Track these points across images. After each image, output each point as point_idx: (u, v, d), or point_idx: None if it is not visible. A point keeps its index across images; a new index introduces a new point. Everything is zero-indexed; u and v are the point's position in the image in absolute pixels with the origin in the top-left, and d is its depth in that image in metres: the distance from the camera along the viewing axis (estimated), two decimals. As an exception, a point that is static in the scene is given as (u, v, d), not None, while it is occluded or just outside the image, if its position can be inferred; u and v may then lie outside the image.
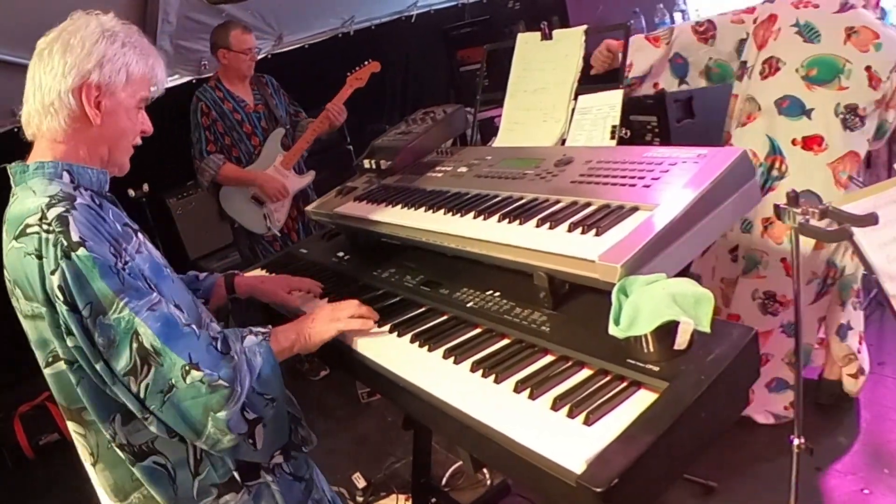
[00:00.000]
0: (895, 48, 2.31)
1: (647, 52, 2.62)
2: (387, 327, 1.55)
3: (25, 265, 1.22)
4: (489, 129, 2.47)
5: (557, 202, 1.53)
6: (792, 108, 2.41)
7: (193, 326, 1.29)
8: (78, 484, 1.48)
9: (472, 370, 1.29)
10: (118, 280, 1.22)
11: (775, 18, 2.47)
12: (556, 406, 1.12)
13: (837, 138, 2.36)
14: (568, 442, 1.03)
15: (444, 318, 1.54)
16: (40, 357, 1.31)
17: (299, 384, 4.04)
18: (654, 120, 3.73)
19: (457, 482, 2.90)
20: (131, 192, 3.97)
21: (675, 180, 1.37)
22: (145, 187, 4.04)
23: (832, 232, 1.78)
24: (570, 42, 1.96)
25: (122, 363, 1.22)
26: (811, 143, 2.39)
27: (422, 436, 2.40)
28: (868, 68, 2.30)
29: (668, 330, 1.11)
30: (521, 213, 1.51)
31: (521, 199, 1.60)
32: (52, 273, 1.19)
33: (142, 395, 1.23)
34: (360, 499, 2.92)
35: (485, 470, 2.79)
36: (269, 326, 1.47)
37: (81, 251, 1.19)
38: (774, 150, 2.44)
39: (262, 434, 1.37)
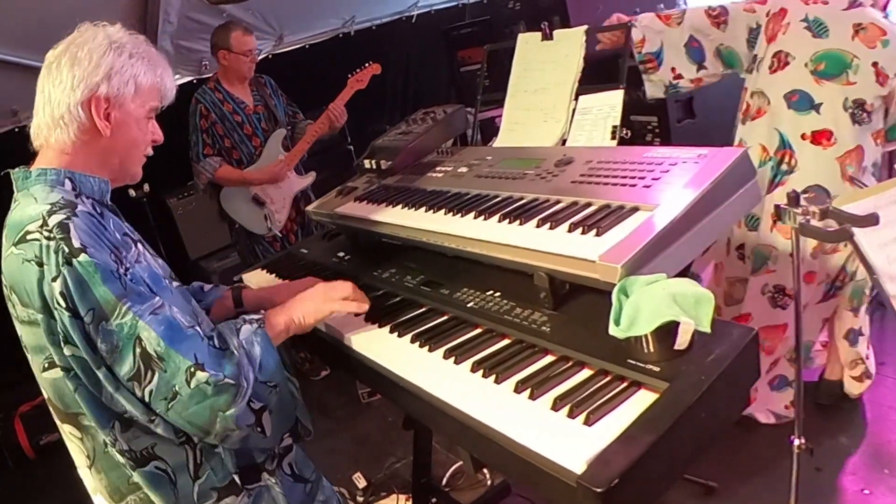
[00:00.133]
0: None
1: (658, 28, 2.57)
2: (387, 327, 1.55)
3: (24, 272, 1.22)
4: (490, 130, 2.47)
5: (558, 202, 1.53)
6: (801, 102, 2.42)
7: (196, 328, 1.29)
8: (78, 484, 1.48)
9: (473, 370, 1.29)
10: (120, 285, 1.22)
11: (785, 13, 2.48)
12: (556, 406, 1.12)
13: (846, 132, 2.37)
14: (568, 442, 1.03)
15: (445, 318, 1.54)
16: (36, 361, 1.31)
17: (299, 384, 4.04)
18: (654, 120, 3.74)
19: (457, 482, 2.90)
20: (132, 193, 3.97)
21: (675, 180, 1.37)
22: (146, 187, 4.04)
23: (833, 232, 1.78)
24: (570, 42, 1.96)
25: (125, 368, 1.22)
26: (820, 137, 2.40)
27: (422, 436, 2.40)
28: (875, 64, 2.32)
29: (668, 330, 1.11)
30: (522, 213, 1.51)
31: (522, 199, 1.60)
32: (54, 280, 1.19)
33: (147, 399, 1.24)
34: (360, 499, 2.92)
35: (485, 470, 2.79)
36: (262, 311, 1.46)
37: (83, 257, 1.19)
38: (784, 145, 2.45)
39: (270, 420, 1.36)
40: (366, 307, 1.55)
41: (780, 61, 2.47)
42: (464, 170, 1.91)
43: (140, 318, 1.22)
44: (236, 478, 1.40)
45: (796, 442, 2.00)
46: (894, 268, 1.78)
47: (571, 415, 1.09)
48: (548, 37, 2.03)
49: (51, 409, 1.37)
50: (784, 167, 2.46)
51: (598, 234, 1.31)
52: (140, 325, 1.21)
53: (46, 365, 1.29)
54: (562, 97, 1.92)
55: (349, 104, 3.69)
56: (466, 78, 5.13)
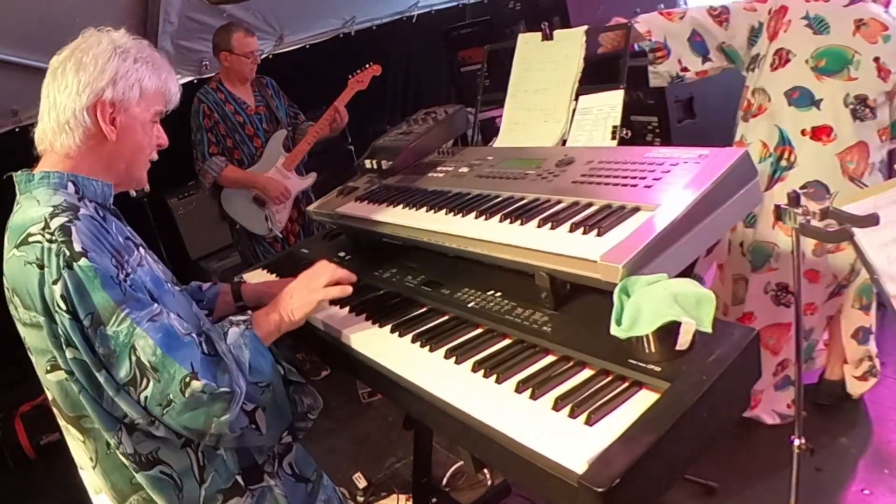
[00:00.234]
0: None
1: (660, 23, 2.58)
2: (388, 327, 1.55)
3: (26, 274, 1.22)
4: (490, 130, 2.47)
5: (559, 202, 1.53)
6: (802, 98, 2.42)
7: (193, 335, 1.29)
8: (78, 484, 1.48)
9: (474, 370, 1.29)
10: (120, 291, 1.22)
11: (786, 10, 2.49)
12: (557, 406, 1.12)
13: (846, 129, 2.37)
14: (569, 442, 1.03)
15: (446, 318, 1.54)
16: (40, 363, 1.31)
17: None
18: (654, 120, 3.74)
19: (458, 482, 2.90)
20: (132, 193, 3.96)
21: (676, 181, 1.37)
22: (147, 188, 4.04)
23: (833, 232, 1.78)
24: (570, 42, 1.96)
25: (122, 372, 1.23)
26: (820, 133, 2.41)
27: (423, 436, 2.40)
28: (877, 59, 2.32)
29: (669, 330, 1.11)
30: (523, 213, 1.51)
31: (523, 199, 1.60)
32: (55, 283, 1.19)
33: (143, 404, 1.24)
34: (360, 499, 2.92)
35: (485, 470, 2.79)
36: (249, 312, 1.46)
37: (83, 261, 1.20)
38: (783, 141, 2.46)
39: (264, 417, 1.37)
40: (349, 290, 1.53)
41: (781, 59, 2.47)
42: (464, 170, 1.91)
43: (138, 325, 1.22)
44: (239, 479, 1.41)
45: (796, 442, 2.00)
46: (894, 268, 1.78)
47: (572, 415, 1.09)
48: (548, 37, 2.03)
49: (54, 409, 1.37)
50: (783, 163, 2.46)
51: (599, 235, 1.31)
52: (137, 332, 1.22)
53: (50, 367, 1.29)
54: (562, 97, 1.93)
55: (349, 105, 3.69)
56: (467, 78, 5.13)
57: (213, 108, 3.52)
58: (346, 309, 1.69)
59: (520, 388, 1.20)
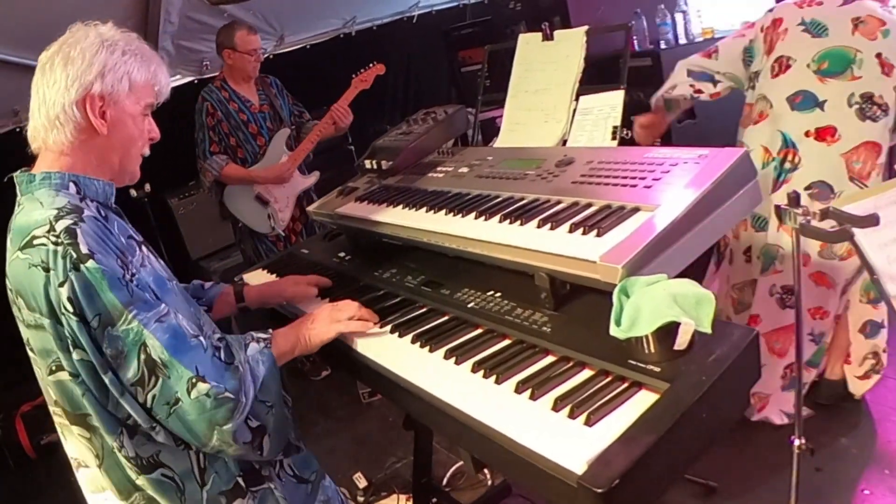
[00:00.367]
0: None
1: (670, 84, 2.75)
2: (388, 328, 1.55)
3: (30, 276, 1.22)
4: (490, 130, 2.47)
5: (558, 203, 1.53)
6: (805, 102, 2.42)
7: (200, 338, 1.29)
8: (79, 484, 1.48)
9: (473, 371, 1.30)
10: (127, 292, 1.22)
11: (780, 21, 2.50)
12: (557, 407, 1.12)
13: (851, 129, 2.37)
14: (569, 442, 1.03)
15: (445, 318, 1.54)
16: (43, 364, 1.30)
17: (300, 384, 4.05)
18: (655, 120, 3.72)
19: (458, 482, 2.90)
20: (133, 193, 3.98)
21: (676, 181, 1.37)
22: (147, 187, 4.05)
23: (833, 233, 1.78)
24: (571, 43, 1.96)
25: (129, 373, 1.23)
26: (824, 133, 2.40)
27: (423, 436, 2.40)
28: (879, 55, 2.32)
29: (669, 331, 1.11)
30: (523, 213, 1.51)
31: (523, 199, 1.60)
32: (61, 285, 1.19)
33: (149, 404, 1.24)
34: (360, 499, 2.93)
35: (486, 470, 2.79)
36: (270, 331, 1.47)
37: (90, 263, 1.19)
38: (787, 144, 2.46)
39: (269, 443, 1.38)
40: (371, 325, 1.55)
41: (782, 65, 2.48)
42: (464, 170, 1.91)
43: (145, 326, 1.22)
44: (240, 481, 1.41)
45: (796, 442, 2.00)
46: (895, 268, 1.78)
47: (572, 415, 1.09)
48: (548, 37, 2.03)
49: (56, 410, 1.36)
50: (788, 165, 2.46)
51: (598, 235, 1.31)
52: (145, 332, 1.22)
53: (54, 368, 1.28)
54: (562, 97, 1.93)
55: (351, 104, 3.70)
56: (467, 78, 5.14)
57: (216, 106, 3.52)
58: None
59: (519, 389, 1.20)
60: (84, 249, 1.20)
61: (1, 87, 3.58)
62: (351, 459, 3.23)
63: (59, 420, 1.38)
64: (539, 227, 1.44)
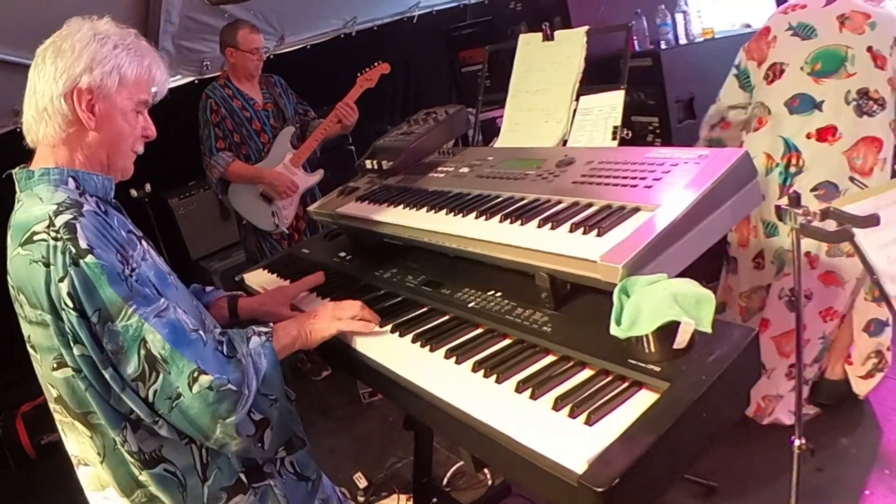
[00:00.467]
0: (889, 22, 2.34)
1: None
2: (388, 327, 1.55)
3: (31, 272, 1.21)
4: (491, 130, 2.47)
5: (559, 203, 1.53)
6: (803, 105, 2.44)
7: (200, 332, 1.29)
8: (79, 483, 1.48)
9: (474, 370, 1.30)
10: (126, 287, 1.22)
11: (768, 30, 2.54)
12: (557, 406, 1.12)
13: (850, 126, 2.38)
14: (569, 442, 1.03)
15: (446, 318, 1.54)
16: (45, 361, 1.30)
17: (301, 384, 4.05)
18: (655, 121, 3.74)
19: (458, 482, 2.90)
20: (133, 193, 3.98)
21: (676, 181, 1.37)
22: (147, 187, 4.05)
23: (833, 233, 1.78)
24: (571, 43, 1.96)
25: (130, 369, 1.23)
26: (825, 134, 2.41)
27: (423, 436, 2.40)
28: (869, 49, 2.33)
29: (669, 330, 1.12)
30: (523, 213, 1.51)
31: (523, 199, 1.60)
32: (61, 281, 1.19)
33: (150, 399, 1.24)
34: (361, 499, 2.93)
35: (486, 470, 2.79)
36: (271, 324, 1.47)
37: (90, 258, 1.19)
38: (790, 148, 2.47)
39: (271, 436, 1.38)
40: (373, 326, 1.54)
41: (776, 72, 2.51)
42: (465, 170, 1.91)
43: (145, 320, 1.22)
44: (243, 476, 1.41)
45: (797, 442, 2.00)
46: (895, 268, 1.78)
47: (572, 415, 1.09)
48: (549, 37, 2.03)
49: (58, 405, 1.36)
50: (792, 169, 2.47)
51: (599, 235, 1.31)
52: (145, 327, 1.22)
53: (56, 364, 1.28)
54: (563, 98, 1.93)
55: (354, 103, 3.70)
56: (468, 78, 5.13)
57: (220, 103, 3.54)
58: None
59: (520, 388, 1.20)
60: (83, 244, 1.20)
61: (1, 87, 3.58)
62: (351, 459, 3.23)
63: (60, 418, 1.38)
64: (539, 226, 1.44)
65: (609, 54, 2.45)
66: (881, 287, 1.80)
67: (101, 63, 1.31)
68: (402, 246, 1.88)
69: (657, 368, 1.12)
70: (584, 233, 1.34)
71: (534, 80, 2.04)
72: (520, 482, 2.32)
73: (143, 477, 1.33)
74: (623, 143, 1.76)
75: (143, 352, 1.22)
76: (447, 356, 1.37)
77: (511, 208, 1.57)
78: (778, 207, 1.85)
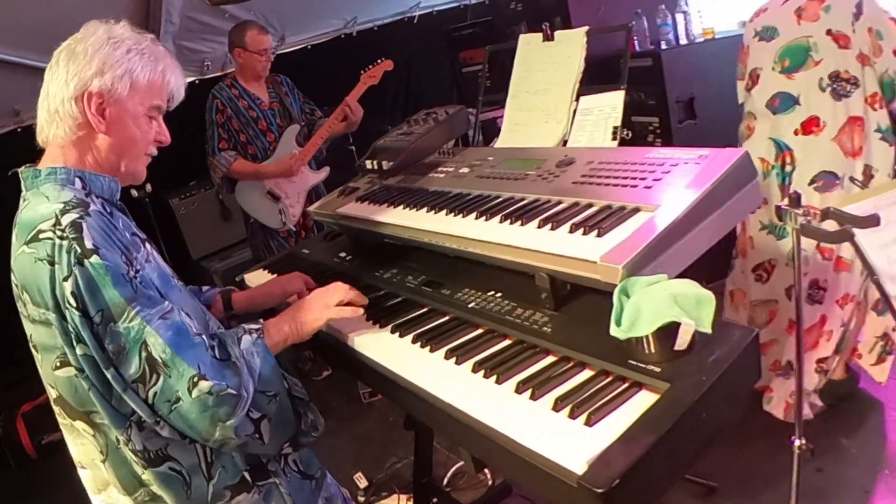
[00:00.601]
0: (844, 2, 2.35)
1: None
2: (389, 328, 1.55)
3: (36, 270, 1.21)
4: (491, 130, 2.47)
5: (559, 203, 1.53)
6: (783, 103, 2.49)
7: (203, 336, 1.29)
8: (80, 483, 1.48)
9: (474, 371, 1.30)
10: (130, 288, 1.22)
11: (743, 44, 2.65)
12: (557, 407, 1.12)
13: (831, 112, 2.41)
14: (569, 442, 1.03)
15: (446, 318, 1.54)
16: (47, 360, 1.30)
17: (301, 384, 4.05)
18: (655, 121, 3.74)
19: (458, 482, 2.90)
20: (134, 193, 3.98)
21: (676, 181, 1.37)
22: (148, 187, 4.05)
23: (834, 233, 1.78)
24: (571, 43, 1.96)
25: (131, 370, 1.22)
26: (809, 126, 2.45)
27: (423, 436, 2.40)
28: (829, 32, 2.36)
29: (669, 331, 1.12)
30: (523, 213, 1.51)
31: (523, 199, 1.60)
32: (65, 280, 1.19)
33: (150, 401, 1.24)
34: (361, 499, 2.93)
35: (486, 470, 2.79)
36: (261, 321, 1.46)
37: (94, 259, 1.19)
38: (781, 148, 2.50)
39: (268, 428, 1.37)
40: (360, 311, 1.54)
41: (754, 78, 2.60)
42: (465, 170, 1.91)
43: (148, 323, 1.22)
44: (247, 475, 1.41)
45: (797, 442, 2.00)
46: (895, 268, 1.79)
47: (572, 415, 1.09)
48: (549, 38, 2.03)
49: (60, 406, 1.36)
50: (788, 168, 2.50)
51: (599, 235, 1.31)
52: (147, 330, 1.22)
53: (58, 363, 1.28)
54: (563, 98, 1.93)
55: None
56: (468, 78, 5.13)
57: (225, 103, 3.57)
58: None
59: (520, 389, 1.20)
60: (89, 244, 1.20)
61: (1, 87, 3.59)
62: (351, 459, 3.23)
63: (61, 420, 1.38)
64: (539, 227, 1.44)
65: (609, 54, 2.46)
66: (881, 287, 1.80)
67: (113, 67, 1.31)
68: (403, 246, 1.88)
69: (657, 369, 1.12)
70: (585, 233, 1.34)
71: (534, 81, 2.04)
72: (520, 482, 2.32)
73: (146, 476, 1.33)
74: (623, 143, 1.76)
75: (144, 354, 1.22)
76: (447, 356, 1.37)
77: (511, 209, 1.57)
78: (778, 208, 1.86)
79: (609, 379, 1.18)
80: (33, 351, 1.33)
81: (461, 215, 1.64)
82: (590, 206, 1.46)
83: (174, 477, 1.33)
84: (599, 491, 0.93)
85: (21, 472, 3.89)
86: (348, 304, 1.55)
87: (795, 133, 2.46)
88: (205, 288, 1.84)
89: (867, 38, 2.32)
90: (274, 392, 1.38)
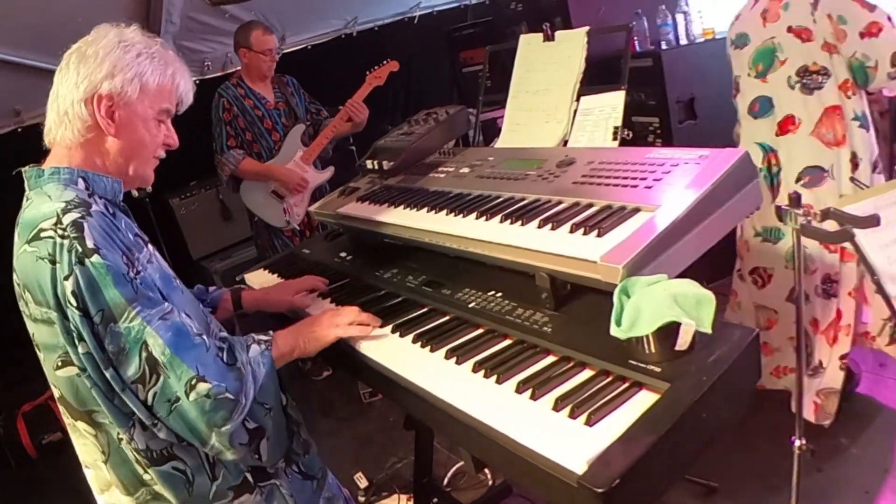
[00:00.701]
0: None
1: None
2: (389, 328, 1.55)
3: (37, 269, 1.21)
4: (491, 130, 2.47)
5: (559, 203, 1.53)
6: (762, 107, 2.53)
7: (204, 337, 1.29)
8: (80, 483, 1.49)
9: (474, 371, 1.30)
10: (131, 289, 1.22)
11: (728, 54, 2.68)
12: (557, 407, 1.12)
13: (803, 107, 2.42)
14: (569, 442, 1.03)
15: (446, 318, 1.54)
16: (49, 359, 1.30)
17: (302, 384, 4.06)
18: (656, 121, 3.74)
19: (458, 482, 2.90)
20: (134, 193, 3.96)
21: (676, 181, 1.37)
22: (148, 188, 4.05)
23: (834, 233, 1.78)
24: (572, 43, 1.96)
25: (130, 371, 1.22)
26: (786, 125, 2.47)
27: (423, 436, 2.40)
28: (789, 29, 2.38)
29: (669, 331, 1.12)
30: (524, 213, 1.51)
31: (524, 199, 1.60)
32: (66, 279, 1.19)
33: (149, 402, 1.24)
34: (361, 499, 2.93)
35: (486, 470, 2.79)
36: (271, 333, 1.47)
37: (95, 258, 1.19)
38: (766, 150, 2.53)
39: (267, 448, 1.38)
40: (369, 330, 1.55)
41: (736, 86, 2.65)
42: (466, 170, 1.92)
43: (148, 323, 1.22)
44: (249, 476, 1.41)
45: (797, 443, 2.00)
46: (895, 269, 1.79)
47: (572, 415, 1.09)
48: (549, 38, 2.03)
49: (62, 406, 1.36)
50: (774, 169, 2.54)
51: (599, 235, 1.31)
52: (147, 330, 1.22)
53: (60, 363, 1.28)
54: (563, 98, 1.93)
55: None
56: (468, 79, 5.13)
57: (232, 102, 3.60)
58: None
59: (520, 389, 1.20)
60: (90, 244, 1.20)
61: (1, 87, 3.59)
62: (352, 459, 3.23)
63: (66, 418, 1.38)
64: (540, 227, 1.44)
65: (610, 55, 2.46)
66: (881, 287, 1.80)
67: (123, 70, 1.31)
68: (403, 246, 1.88)
69: (657, 369, 1.12)
70: (585, 233, 1.34)
71: (534, 81, 2.04)
72: (520, 482, 2.32)
73: (149, 475, 1.33)
74: (623, 143, 1.76)
75: (144, 354, 1.22)
76: (448, 356, 1.37)
77: (511, 209, 1.57)
78: (778, 208, 1.85)
79: (609, 379, 1.18)
80: (37, 350, 1.33)
81: (461, 215, 1.64)
82: (590, 206, 1.47)
83: (177, 476, 1.33)
84: (599, 491, 0.93)
85: (21, 472, 3.89)
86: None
87: (776, 134, 2.48)
88: (212, 288, 1.85)
89: (828, 26, 2.30)
90: (269, 405, 1.38)
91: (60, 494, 3.37)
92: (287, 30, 4.81)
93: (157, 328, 1.22)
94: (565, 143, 1.88)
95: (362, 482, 2.98)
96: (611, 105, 1.80)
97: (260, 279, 2.15)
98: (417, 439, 2.40)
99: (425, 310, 1.61)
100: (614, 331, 1.15)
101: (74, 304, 1.19)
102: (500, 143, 2.10)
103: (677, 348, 1.13)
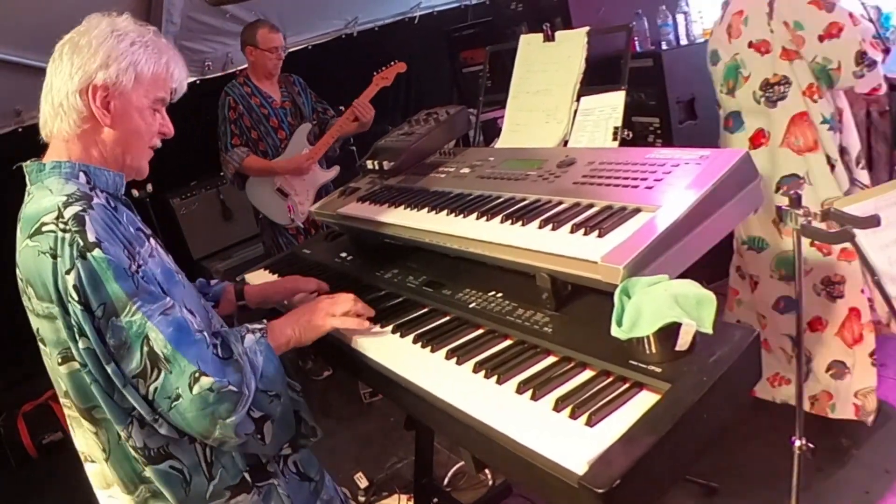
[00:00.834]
0: (757, 6, 2.35)
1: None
2: (389, 328, 1.55)
3: (39, 264, 1.21)
4: (492, 131, 2.47)
5: (560, 203, 1.53)
6: (735, 123, 2.55)
7: (205, 333, 1.29)
8: (80, 482, 1.49)
9: (475, 371, 1.30)
10: (132, 283, 1.22)
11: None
12: (558, 407, 1.12)
13: (769, 120, 2.42)
14: (570, 443, 1.03)
15: (447, 318, 1.54)
16: (52, 354, 1.30)
17: (302, 383, 4.03)
18: (656, 121, 3.74)
19: (459, 482, 2.90)
20: (135, 192, 3.98)
21: (677, 181, 1.37)
22: (149, 187, 4.05)
23: (834, 234, 1.79)
24: (572, 44, 1.96)
25: (132, 365, 1.22)
26: (757, 139, 2.48)
27: (424, 436, 2.40)
28: (750, 44, 2.38)
29: (670, 331, 1.12)
30: (524, 214, 1.51)
31: (524, 200, 1.60)
32: (68, 273, 1.18)
33: (150, 397, 1.24)
34: (362, 499, 2.93)
35: (486, 470, 2.80)
36: (265, 321, 1.46)
37: (97, 252, 1.19)
38: None
39: (271, 430, 1.37)
40: (366, 322, 1.54)
41: (717, 101, 2.67)
42: (466, 171, 1.92)
43: (149, 318, 1.22)
44: (247, 476, 1.41)
45: (797, 443, 2.00)
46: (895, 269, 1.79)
47: (573, 416, 1.09)
48: (550, 38, 2.03)
49: (65, 402, 1.36)
50: None
51: (600, 236, 1.31)
52: (148, 325, 1.21)
53: (62, 358, 1.28)
54: (564, 98, 1.93)
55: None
56: (469, 79, 5.13)
57: (238, 100, 3.62)
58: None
59: (521, 389, 1.20)
60: (91, 237, 1.19)
61: (2, 87, 3.59)
62: (352, 459, 3.24)
63: (69, 413, 1.38)
64: (540, 227, 1.44)
65: (610, 55, 2.46)
66: (882, 287, 1.80)
67: (118, 60, 1.30)
68: (404, 246, 1.88)
69: (658, 369, 1.12)
70: (585, 233, 1.34)
71: (535, 81, 2.04)
72: (520, 483, 2.32)
73: (147, 473, 1.33)
74: (624, 143, 1.76)
75: (146, 349, 1.21)
76: (448, 357, 1.37)
77: (512, 209, 1.57)
78: (779, 208, 1.86)
79: (610, 379, 1.18)
80: (41, 345, 1.33)
81: (462, 215, 1.64)
82: (591, 206, 1.47)
83: (174, 475, 1.33)
84: (600, 491, 0.93)
85: (21, 472, 3.88)
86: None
87: (749, 149, 2.47)
88: (213, 281, 1.85)
89: (786, 33, 2.28)
90: (276, 392, 1.37)
91: (60, 494, 3.37)
92: (288, 30, 4.79)
93: (159, 323, 1.22)
94: (565, 143, 1.88)
95: (362, 482, 2.98)
96: (611, 105, 1.80)
97: (260, 279, 2.15)
98: (418, 439, 2.40)
99: (426, 310, 1.61)
100: (615, 331, 1.15)
101: (76, 298, 1.19)
102: (500, 143, 2.10)
103: (678, 349, 1.13)
